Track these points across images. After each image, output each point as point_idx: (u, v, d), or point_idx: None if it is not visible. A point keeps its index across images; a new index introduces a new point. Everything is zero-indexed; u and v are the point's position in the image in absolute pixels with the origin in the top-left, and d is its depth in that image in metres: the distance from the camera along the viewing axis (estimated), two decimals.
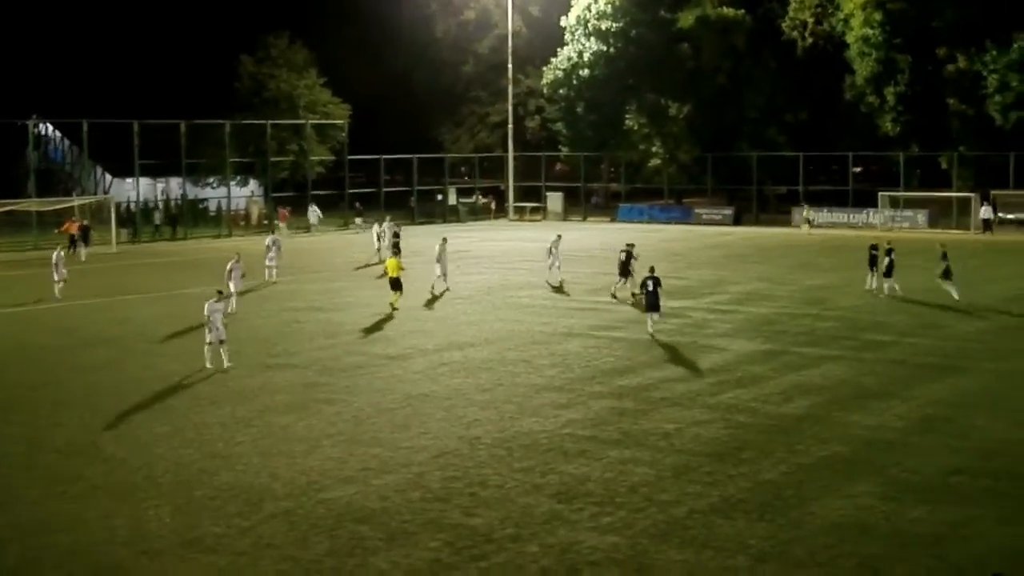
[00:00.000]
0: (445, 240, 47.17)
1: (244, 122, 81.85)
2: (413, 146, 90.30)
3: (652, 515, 18.49)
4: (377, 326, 37.53)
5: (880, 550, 16.87)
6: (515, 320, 38.62)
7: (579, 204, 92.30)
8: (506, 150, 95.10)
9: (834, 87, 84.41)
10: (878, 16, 78.62)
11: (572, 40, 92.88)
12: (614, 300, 42.52)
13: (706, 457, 21.69)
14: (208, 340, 30.29)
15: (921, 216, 77.07)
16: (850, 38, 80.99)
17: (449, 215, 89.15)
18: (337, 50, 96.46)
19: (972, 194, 74.96)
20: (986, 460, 21.36)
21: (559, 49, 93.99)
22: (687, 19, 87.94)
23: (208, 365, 30.17)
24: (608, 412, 25.34)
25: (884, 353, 32.08)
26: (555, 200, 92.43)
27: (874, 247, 44.14)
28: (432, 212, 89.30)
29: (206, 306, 30.37)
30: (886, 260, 42.87)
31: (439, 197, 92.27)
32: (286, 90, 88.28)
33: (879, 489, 19.66)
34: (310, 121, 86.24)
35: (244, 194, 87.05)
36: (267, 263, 49.36)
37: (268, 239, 52.19)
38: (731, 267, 53.71)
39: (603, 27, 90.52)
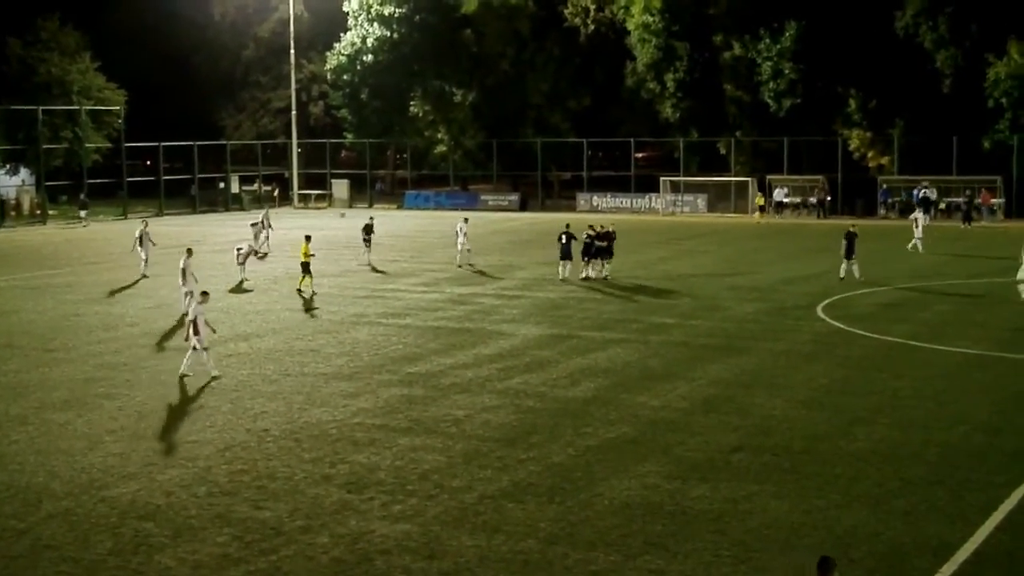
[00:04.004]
0: (467, 219, 51.44)
1: (12, 107, 78.56)
2: (194, 133, 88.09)
3: (443, 501, 18.49)
4: (158, 318, 36.53)
5: (666, 528, 17.23)
6: (302, 309, 38.16)
7: (365, 191, 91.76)
8: (290, 137, 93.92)
9: (616, 74, 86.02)
10: (657, 3, 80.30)
11: (355, 25, 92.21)
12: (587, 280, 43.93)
13: (496, 442, 21.81)
14: (203, 345, 27.56)
15: (701, 200, 79.26)
16: (631, 25, 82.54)
17: (232, 203, 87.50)
18: (111, 33, 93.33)
19: (749, 179, 77.36)
20: (765, 437, 22.04)
21: (342, 34, 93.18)
22: (470, 4, 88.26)
23: (215, 373, 27.56)
24: (398, 400, 25.24)
25: (668, 335, 32.82)
26: (341, 187, 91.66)
27: (850, 234, 42.80)
28: (214, 200, 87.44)
29: (191, 308, 28.06)
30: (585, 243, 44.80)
31: (221, 185, 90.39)
32: (58, 75, 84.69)
33: (664, 468, 20.09)
34: (84, 107, 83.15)
35: (15, 183, 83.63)
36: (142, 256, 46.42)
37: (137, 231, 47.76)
38: (517, 252, 54.21)
39: (386, 12, 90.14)
